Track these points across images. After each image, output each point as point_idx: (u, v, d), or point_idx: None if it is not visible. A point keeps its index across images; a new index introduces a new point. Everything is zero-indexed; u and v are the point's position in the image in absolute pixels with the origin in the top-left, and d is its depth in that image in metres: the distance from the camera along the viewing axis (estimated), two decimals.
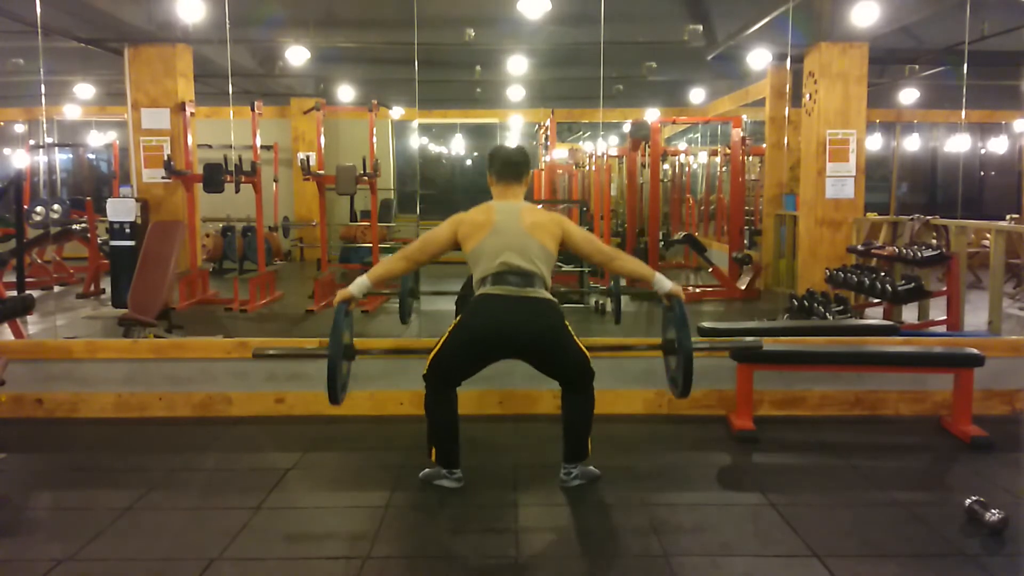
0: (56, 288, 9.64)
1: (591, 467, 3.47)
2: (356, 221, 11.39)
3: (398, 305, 4.49)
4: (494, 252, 3.24)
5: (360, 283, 3.37)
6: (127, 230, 7.98)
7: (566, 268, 8.39)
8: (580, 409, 3.35)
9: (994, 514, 2.95)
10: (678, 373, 3.39)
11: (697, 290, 9.39)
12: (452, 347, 3.28)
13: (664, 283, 3.39)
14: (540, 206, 10.30)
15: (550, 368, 3.34)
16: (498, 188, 3.47)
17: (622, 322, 4.78)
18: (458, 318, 3.35)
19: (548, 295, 3.29)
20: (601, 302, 7.78)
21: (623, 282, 4.85)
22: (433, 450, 3.36)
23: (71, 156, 14.13)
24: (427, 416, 3.36)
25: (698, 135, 15.21)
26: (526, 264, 3.22)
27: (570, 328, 3.31)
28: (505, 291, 3.21)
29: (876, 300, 6.72)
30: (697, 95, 12.56)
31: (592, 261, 3.53)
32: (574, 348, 3.30)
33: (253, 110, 9.03)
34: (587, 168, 12.58)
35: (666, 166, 12.78)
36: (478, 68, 10.45)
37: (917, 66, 9.71)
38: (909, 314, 7.00)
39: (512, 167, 3.45)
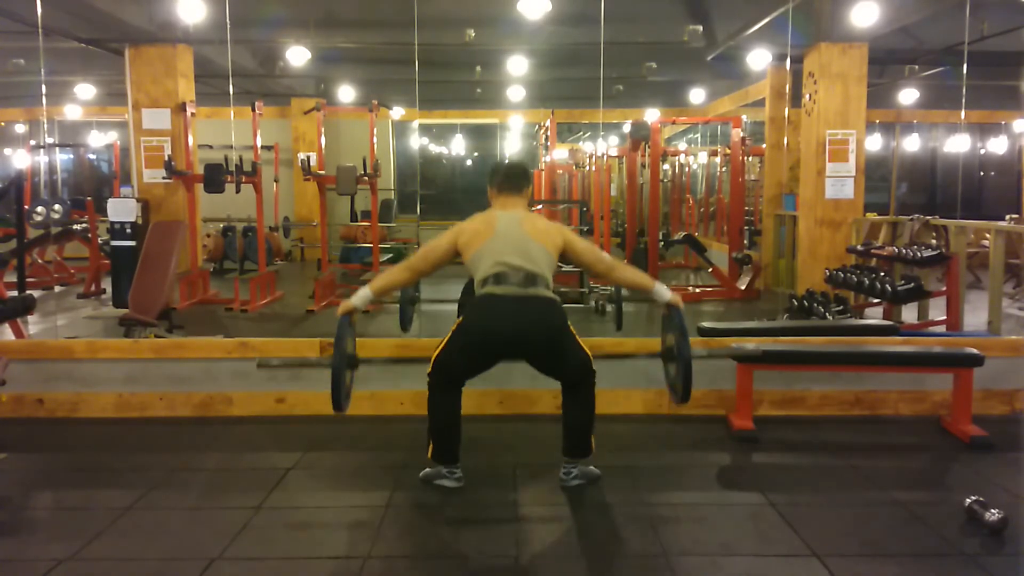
0: (57, 288, 9.65)
1: (591, 467, 3.47)
2: (356, 221, 11.39)
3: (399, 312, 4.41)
4: (495, 254, 3.25)
5: (362, 295, 3.39)
6: (128, 230, 7.99)
7: (566, 268, 8.39)
8: (581, 408, 3.36)
9: (994, 514, 2.95)
10: (678, 380, 3.43)
11: (697, 290, 9.40)
12: (455, 348, 3.29)
13: (664, 293, 3.43)
14: (540, 207, 10.29)
15: (552, 369, 3.35)
16: (499, 201, 3.50)
17: (623, 322, 4.78)
18: (460, 319, 3.36)
19: (550, 294, 3.29)
20: (601, 302, 7.79)
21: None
22: (431, 447, 3.36)
23: (72, 156, 14.13)
24: (429, 415, 3.35)
25: (698, 135, 15.22)
26: (527, 264, 3.23)
27: (572, 328, 3.32)
28: (507, 291, 3.20)
29: (876, 300, 6.72)
30: (697, 95, 12.57)
31: (593, 271, 3.55)
32: (576, 349, 3.31)
33: (254, 110, 9.04)
34: (587, 168, 12.59)
35: (666, 166, 12.78)
36: (478, 68, 10.46)
37: (917, 66, 9.72)
38: (909, 314, 7.01)
39: (512, 180, 3.50)
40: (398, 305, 4.26)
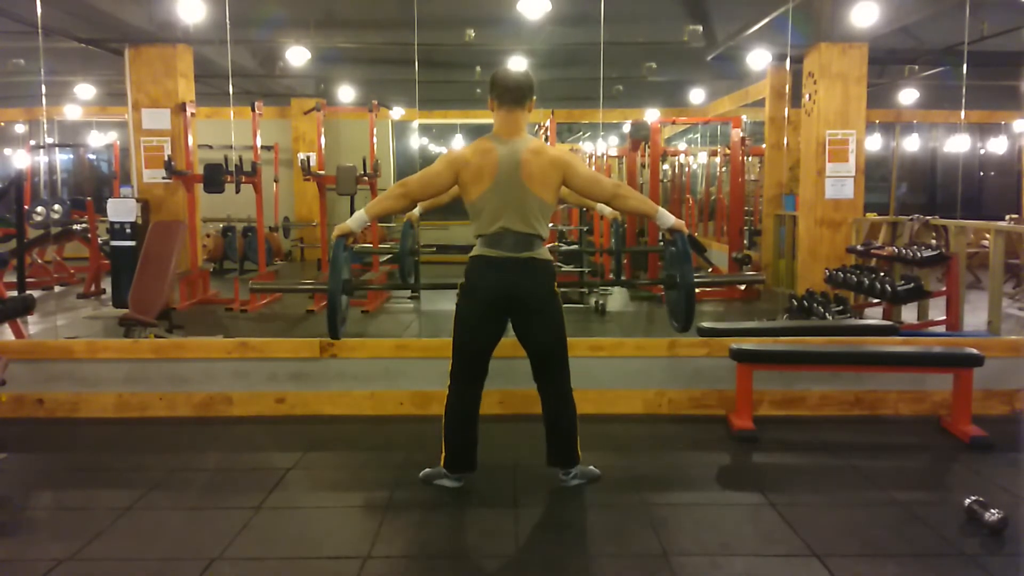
0: (57, 288, 9.65)
1: (591, 467, 3.47)
2: None
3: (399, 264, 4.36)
4: (493, 213, 3.21)
5: (358, 217, 3.32)
6: (128, 230, 7.99)
7: (566, 268, 8.39)
8: (563, 411, 3.35)
9: (994, 514, 2.95)
10: (679, 307, 3.41)
11: (697, 290, 9.38)
12: (464, 318, 3.28)
13: (667, 218, 3.39)
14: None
15: (526, 333, 3.30)
16: (499, 114, 3.36)
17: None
18: (458, 293, 3.32)
19: (543, 254, 3.28)
20: (601, 302, 7.79)
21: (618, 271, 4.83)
22: (443, 455, 3.34)
23: (72, 156, 14.13)
24: (446, 418, 3.33)
25: (698, 135, 15.22)
26: (524, 228, 3.21)
27: (559, 299, 3.31)
28: (500, 254, 3.21)
29: (876, 300, 6.72)
30: (697, 95, 12.57)
31: (597, 200, 3.49)
32: (554, 325, 3.29)
33: (254, 110, 9.04)
34: None
35: (666, 166, 12.78)
36: (478, 68, 10.45)
37: (917, 66, 9.72)
38: (909, 314, 7.01)
39: (513, 92, 3.34)
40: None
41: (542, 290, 3.25)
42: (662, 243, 10.27)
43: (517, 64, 9.06)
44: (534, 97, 3.42)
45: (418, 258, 4.86)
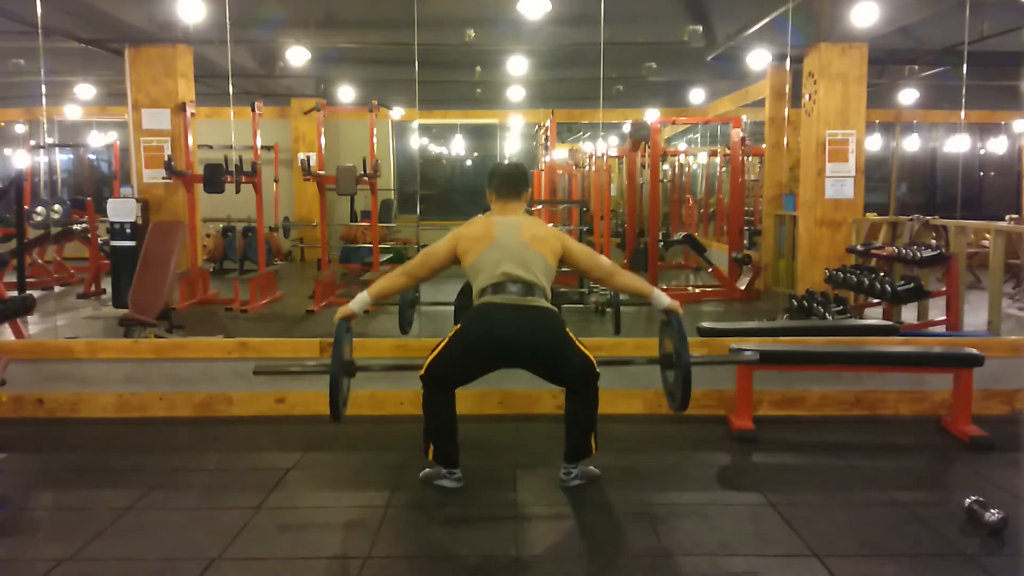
0: (57, 288, 9.65)
1: (591, 467, 3.47)
2: (356, 221, 11.39)
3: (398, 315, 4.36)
4: (494, 263, 3.26)
5: (360, 299, 3.38)
6: (128, 230, 7.99)
7: (566, 268, 8.39)
8: (584, 407, 3.35)
9: (994, 514, 2.95)
10: (676, 387, 3.42)
11: (697, 290, 9.39)
12: (451, 354, 3.28)
13: (662, 299, 3.42)
14: (540, 207, 10.25)
15: (553, 376, 3.36)
16: (497, 205, 3.50)
17: (622, 321, 4.78)
18: (458, 326, 3.35)
19: (548, 304, 3.30)
20: (601, 305, 7.79)
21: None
22: (431, 449, 3.36)
23: (72, 156, 14.14)
24: (424, 415, 3.35)
25: (698, 135, 15.22)
26: (526, 275, 3.24)
27: (571, 333, 3.32)
28: (505, 299, 3.22)
29: (876, 300, 6.72)
30: (697, 95, 12.57)
31: (591, 277, 3.56)
32: (577, 354, 3.30)
33: (254, 110, 9.04)
34: (587, 168, 12.59)
35: (666, 166, 12.78)
36: (478, 69, 10.46)
37: (917, 66, 9.72)
38: (909, 314, 7.01)
39: (511, 184, 3.49)
40: (398, 307, 4.24)
41: (553, 338, 3.25)
42: (662, 244, 10.30)
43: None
44: (530, 188, 3.56)
45: (417, 309, 4.82)
